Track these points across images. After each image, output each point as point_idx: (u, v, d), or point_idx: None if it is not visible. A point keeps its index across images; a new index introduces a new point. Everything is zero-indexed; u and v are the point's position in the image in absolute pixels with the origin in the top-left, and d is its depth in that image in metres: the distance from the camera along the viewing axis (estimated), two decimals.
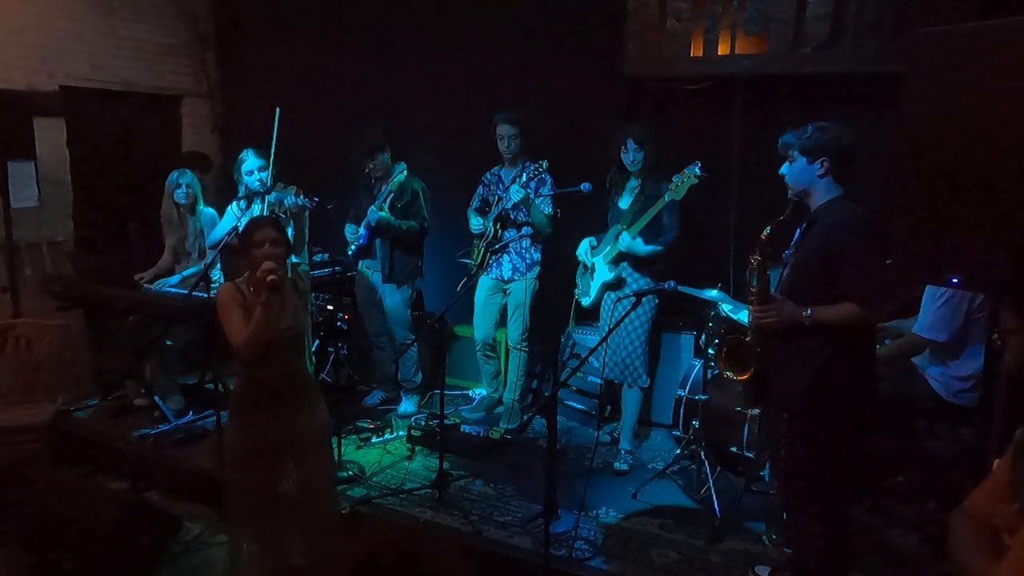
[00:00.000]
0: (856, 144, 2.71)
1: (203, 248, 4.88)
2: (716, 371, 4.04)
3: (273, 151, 4.18)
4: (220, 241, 4.49)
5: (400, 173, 4.81)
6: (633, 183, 4.26)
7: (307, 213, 4.25)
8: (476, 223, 4.79)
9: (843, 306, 2.63)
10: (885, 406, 3.52)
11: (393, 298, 4.96)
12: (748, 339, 2.95)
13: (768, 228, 2.78)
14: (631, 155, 4.14)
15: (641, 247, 4.11)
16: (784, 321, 2.71)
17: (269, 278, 2.77)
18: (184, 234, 4.92)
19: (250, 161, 4.32)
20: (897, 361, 3.62)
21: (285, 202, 4.11)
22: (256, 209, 4.40)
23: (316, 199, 4.13)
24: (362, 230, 4.87)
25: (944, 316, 3.40)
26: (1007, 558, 1.44)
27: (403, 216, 4.79)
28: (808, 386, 2.69)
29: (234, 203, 4.47)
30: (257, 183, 4.29)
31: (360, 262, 5.06)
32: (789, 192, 2.81)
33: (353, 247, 4.96)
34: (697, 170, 3.86)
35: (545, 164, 4.42)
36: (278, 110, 4.12)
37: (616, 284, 4.26)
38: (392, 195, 4.75)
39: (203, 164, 5.86)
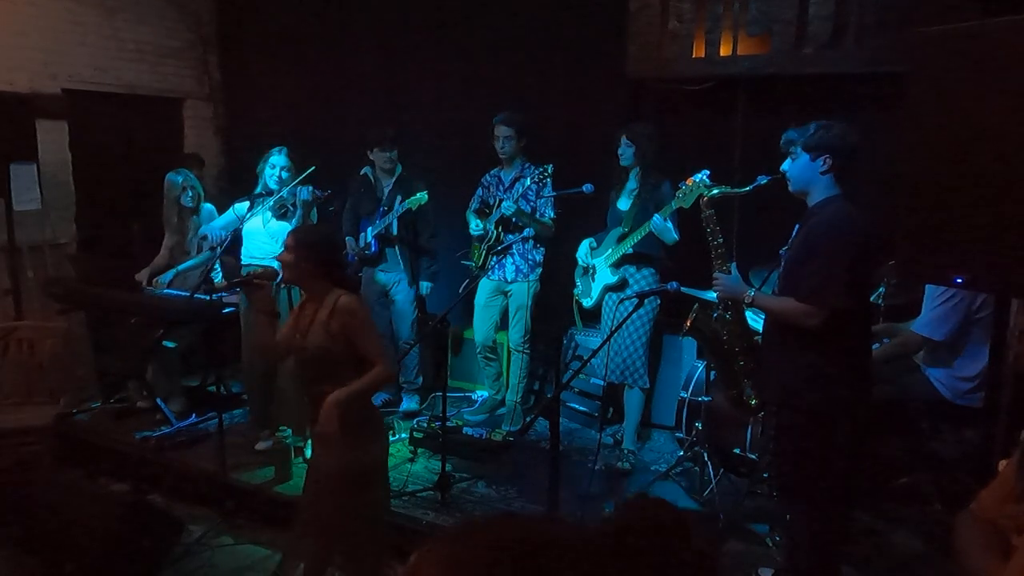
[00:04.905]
0: (858, 143, 2.71)
1: (201, 244, 4.89)
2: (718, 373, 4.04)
3: (288, 188, 4.35)
4: (219, 242, 4.51)
5: (419, 196, 4.68)
6: (632, 185, 4.24)
7: (314, 210, 4.34)
8: (476, 226, 4.77)
9: (784, 298, 2.70)
10: (888, 408, 3.52)
11: (405, 297, 4.98)
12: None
13: (716, 190, 3.10)
14: (622, 148, 4.14)
15: (671, 233, 3.99)
16: (726, 294, 2.93)
17: (245, 273, 2.82)
18: (186, 235, 4.93)
19: (277, 158, 4.42)
20: (895, 360, 3.60)
21: (296, 193, 4.27)
22: (260, 211, 4.42)
23: (329, 191, 4.33)
24: (371, 238, 4.86)
25: (943, 315, 3.39)
26: (1014, 558, 1.43)
27: (412, 225, 4.86)
28: (798, 382, 2.72)
29: (238, 204, 4.50)
30: (275, 180, 4.38)
31: (365, 269, 5.06)
32: (790, 187, 2.82)
33: (354, 257, 4.94)
34: (707, 179, 3.80)
35: (550, 169, 4.37)
36: (313, 168, 4.36)
37: (618, 286, 4.24)
38: (407, 207, 4.73)
39: (196, 164, 5.87)
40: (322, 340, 2.74)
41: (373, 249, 4.88)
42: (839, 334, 2.64)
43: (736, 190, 3.10)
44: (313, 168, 4.39)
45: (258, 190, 4.48)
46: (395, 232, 4.80)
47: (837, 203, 2.71)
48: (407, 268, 4.90)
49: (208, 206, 4.97)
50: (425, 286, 5.03)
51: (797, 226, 2.87)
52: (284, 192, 4.32)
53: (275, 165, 4.40)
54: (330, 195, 4.34)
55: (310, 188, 4.28)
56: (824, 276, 2.60)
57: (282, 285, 2.87)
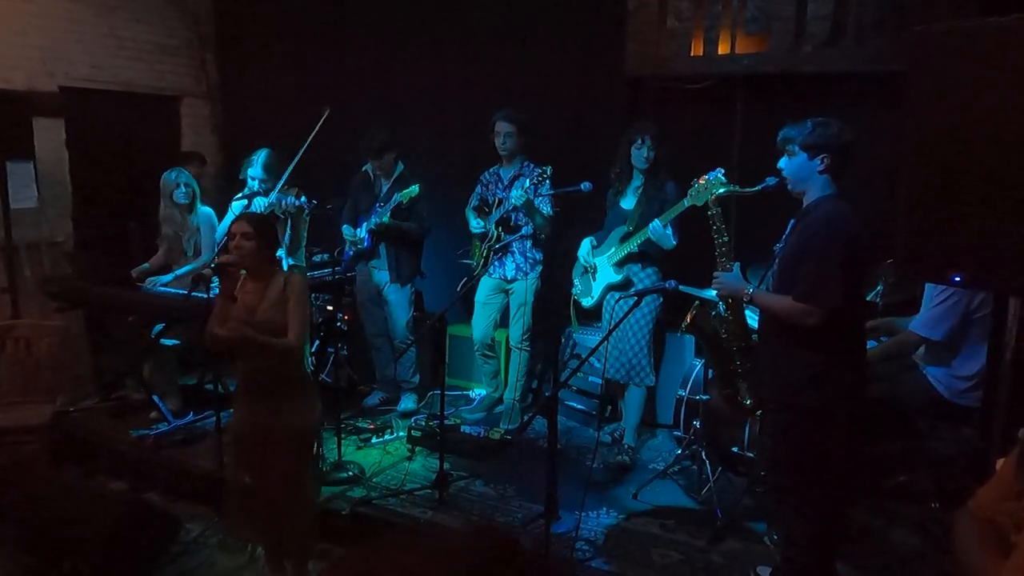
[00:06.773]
0: (854, 141, 2.72)
1: (199, 247, 4.86)
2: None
3: (304, 148, 4.45)
4: (220, 240, 4.53)
5: (411, 189, 4.63)
6: (636, 183, 4.23)
7: (306, 215, 4.32)
8: (476, 224, 4.77)
9: (783, 297, 2.69)
10: (886, 406, 3.52)
11: (398, 296, 4.95)
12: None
13: (724, 189, 3.09)
14: (645, 152, 4.08)
15: (670, 240, 4.00)
16: (726, 291, 2.96)
17: (213, 264, 3.00)
18: (182, 233, 4.90)
19: (254, 168, 4.53)
20: (892, 359, 3.60)
21: (283, 203, 4.29)
22: (257, 207, 4.42)
23: (314, 202, 4.30)
24: (364, 233, 4.85)
25: (941, 315, 3.38)
26: (1013, 556, 1.43)
27: (405, 219, 4.80)
28: (797, 381, 2.72)
29: (235, 201, 4.51)
30: (256, 187, 4.48)
31: (360, 265, 5.05)
32: (789, 187, 2.81)
33: (351, 250, 4.95)
34: (722, 176, 3.73)
35: (549, 171, 4.34)
36: (327, 111, 4.42)
37: (622, 286, 4.22)
38: (398, 201, 4.71)
39: (197, 162, 5.85)
40: (275, 313, 3.00)
41: (366, 244, 4.87)
42: (835, 332, 2.65)
43: (745, 190, 3.09)
44: (286, 177, 4.44)
45: (253, 189, 4.51)
46: (391, 223, 4.75)
47: (832, 201, 2.72)
48: (392, 266, 4.89)
49: (206, 210, 4.93)
50: (408, 289, 5.00)
51: (792, 222, 2.88)
52: (272, 198, 4.40)
53: (254, 177, 4.56)
54: (318, 204, 4.36)
55: (291, 198, 4.36)
56: (821, 275, 2.59)
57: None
